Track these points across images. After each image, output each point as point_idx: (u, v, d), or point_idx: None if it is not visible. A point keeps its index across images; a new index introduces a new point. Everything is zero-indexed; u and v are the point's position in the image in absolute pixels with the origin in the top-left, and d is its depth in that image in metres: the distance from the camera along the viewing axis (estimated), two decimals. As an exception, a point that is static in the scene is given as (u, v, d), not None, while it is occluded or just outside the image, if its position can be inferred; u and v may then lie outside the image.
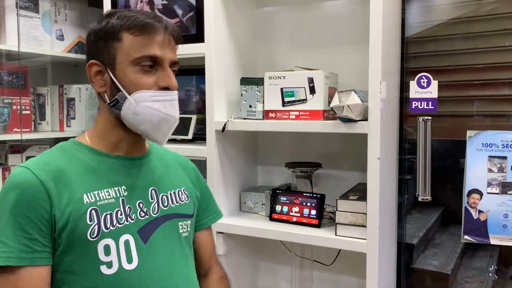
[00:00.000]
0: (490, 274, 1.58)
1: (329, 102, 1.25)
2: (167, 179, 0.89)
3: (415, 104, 1.39)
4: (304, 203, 1.39)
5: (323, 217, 1.38)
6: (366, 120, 1.21)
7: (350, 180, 1.53)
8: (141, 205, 0.81)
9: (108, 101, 0.80)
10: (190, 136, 1.56)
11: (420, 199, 1.38)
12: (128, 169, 0.83)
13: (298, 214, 1.39)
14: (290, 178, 1.60)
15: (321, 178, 1.57)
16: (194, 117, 1.58)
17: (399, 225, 1.50)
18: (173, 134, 1.72)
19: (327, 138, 1.55)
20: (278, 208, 1.43)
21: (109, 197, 0.77)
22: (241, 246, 1.57)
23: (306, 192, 1.40)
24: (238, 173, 1.57)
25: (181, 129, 1.59)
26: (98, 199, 0.76)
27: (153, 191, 0.84)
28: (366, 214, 1.23)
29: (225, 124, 1.38)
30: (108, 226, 0.75)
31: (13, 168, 1.61)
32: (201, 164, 1.47)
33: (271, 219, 1.43)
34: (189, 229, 0.88)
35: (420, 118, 1.36)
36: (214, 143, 1.42)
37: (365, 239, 1.23)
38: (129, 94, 0.78)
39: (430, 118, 1.35)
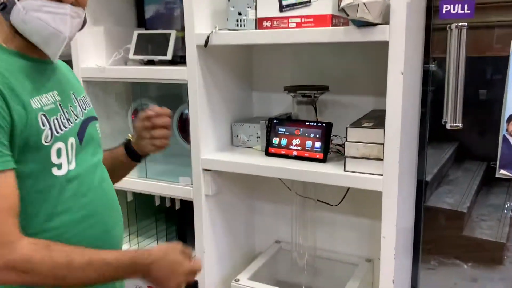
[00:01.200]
0: (506, 211, 1.47)
1: (339, 5, 0.97)
2: (76, 84, 0.90)
3: (446, 8, 1.11)
4: (306, 134, 1.15)
5: (330, 150, 1.15)
6: (387, 23, 0.93)
7: (363, 106, 1.28)
8: (71, 108, 0.83)
9: None
10: (169, 56, 1.29)
11: (448, 126, 1.13)
12: (51, 74, 0.82)
13: (300, 148, 1.15)
14: (289, 106, 1.35)
15: (328, 105, 1.31)
16: (173, 33, 1.30)
17: (419, 160, 1.26)
18: (149, 54, 1.49)
19: (335, 53, 1.28)
20: (275, 141, 1.19)
21: (49, 102, 0.78)
22: (233, 185, 1.36)
23: (309, 121, 1.16)
24: (228, 100, 1.32)
25: (159, 48, 1.32)
26: (43, 104, 0.76)
27: (73, 95, 0.86)
28: (383, 144, 0.98)
29: (208, 37, 1.11)
30: (58, 131, 0.78)
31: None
32: (181, 90, 1.22)
33: (268, 153, 1.20)
34: (99, 131, 0.92)
35: (454, 25, 1.08)
36: (196, 62, 1.16)
37: (381, 174, 1.00)
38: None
39: (465, 24, 1.07)
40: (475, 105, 1.29)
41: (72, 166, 0.80)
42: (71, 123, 0.81)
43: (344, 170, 1.04)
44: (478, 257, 1.63)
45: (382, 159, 0.99)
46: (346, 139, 1.03)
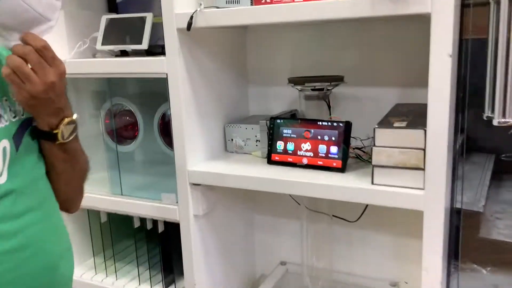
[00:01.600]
0: (523, 208, 1.19)
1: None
2: None
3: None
4: (319, 137, 0.91)
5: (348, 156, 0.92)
6: (429, -11, 0.70)
7: (383, 100, 1.05)
8: (7, 103, 0.66)
9: None
10: (144, 45, 1.04)
11: (496, 122, 0.90)
12: None
13: (311, 154, 0.92)
14: (295, 102, 1.11)
15: (340, 99, 1.08)
16: (149, 17, 1.06)
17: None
18: (121, 43, 1.24)
19: (351, 35, 1.05)
20: (279, 146, 0.96)
21: None
22: (229, 200, 1.12)
23: (322, 121, 0.92)
24: (219, 97, 1.08)
25: (133, 35, 1.08)
26: None
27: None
28: (424, 149, 0.75)
29: (191, 18, 0.87)
30: None
31: None
32: (164, 86, 0.98)
33: (270, 161, 0.96)
34: None
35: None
36: (177, 51, 0.92)
37: (422, 188, 0.77)
38: None
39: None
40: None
41: (3, 179, 0.62)
42: (5, 121, 0.64)
43: (372, 183, 0.81)
44: (498, 260, 1.42)
45: (422, 169, 0.76)
46: (374, 143, 0.80)
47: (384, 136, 0.79)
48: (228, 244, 1.14)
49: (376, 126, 0.79)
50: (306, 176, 0.88)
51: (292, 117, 1.08)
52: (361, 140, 0.96)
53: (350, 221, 1.09)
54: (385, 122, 0.83)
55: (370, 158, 0.91)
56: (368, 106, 1.06)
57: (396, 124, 0.80)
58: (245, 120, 1.12)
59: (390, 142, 0.79)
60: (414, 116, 0.86)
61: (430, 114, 0.73)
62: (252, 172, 0.93)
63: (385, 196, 0.79)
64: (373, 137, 0.80)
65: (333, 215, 1.08)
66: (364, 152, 0.97)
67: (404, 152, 0.78)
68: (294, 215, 1.17)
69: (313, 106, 0.97)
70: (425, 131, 0.75)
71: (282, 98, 1.16)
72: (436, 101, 0.72)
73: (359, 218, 1.06)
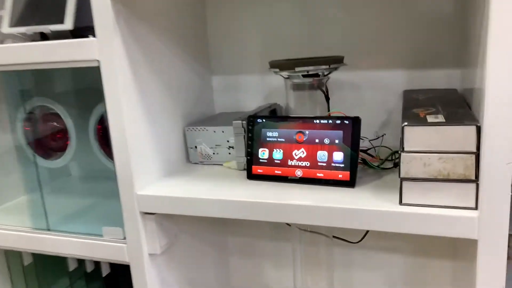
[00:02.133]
0: None
1: None
2: None
3: None
4: (317, 140, 0.67)
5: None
6: None
7: (388, 87, 0.82)
8: None
9: None
10: (68, 25, 0.76)
11: None
12: None
13: (306, 163, 0.67)
14: (274, 94, 0.87)
15: (333, 88, 0.84)
16: (73, -15, 0.77)
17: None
18: (36, 23, 0.93)
19: (341, 4, 0.81)
20: (262, 153, 0.71)
21: None
22: (196, 227, 0.86)
23: (321, 118, 0.68)
24: (175, 90, 0.82)
25: (51, 12, 0.79)
26: None
27: None
28: (477, 153, 0.53)
29: (128, -24, 0.60)
30: None
31: None
32: (94, 77, 0.71)
33: (251, 176, 0.71)
34: None
35: None
36: (112, 28, 0.64)
37: (475, 208, 0.54)
38: None
39: None
40: None
41: None
42: None
43: (400, 202, 0.58)
44: None
45: (474, 181, 0.53)
46: (402, 147, 0.56)
47: (417, 136, 0.55)
48: (197, 279, 0.88)
49: (406, 123, 0.56)
50: (303, 196, 0.64)
51: (271, 113, 0.83)
52: (369, 140, 0.73)
53: (352, 242, 0.85)
54: (412, 117, 0.59)
55: (381, 163, 0.68)
56: (369, 95, 0.82)
57: (430, 119, 0.57)
58: (212, 120, 0.86)
59: (425, 144, 0.55)
60: (444, 106, 0.63)
61: (489, 101, 0.50)
62: (227, 193, 0.67)
63: (420, 221, 0.56)
64: (401, 139, 0.56)
65: (333, 236, 0.84)
66: (372, 156, 0.73)
67: (447, 159, 0.54)
68: (282, 236, 0.92)
69: (304, 99, 0.72)
70: (478, 127, 0.52)
71: (257, 89, 0.91)
72: (495, 81, 0.49)
73: (362, 238, 0.83)
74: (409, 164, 0.56)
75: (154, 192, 0.69)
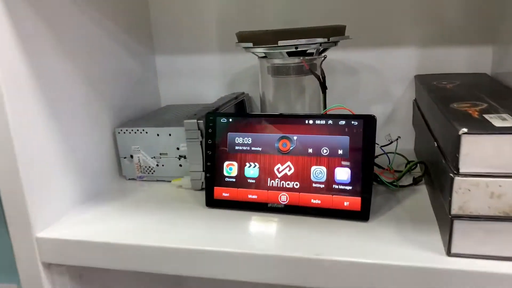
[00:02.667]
0: None
1: None
2: None
3: None
4: (309, 150, 0.45)
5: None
6: None
7: (394, 71, 0.61)
8: None
9: None
10: None
11: None
12: None
13: (295, 183, 0.45)
14: (242, 81, 0.64)
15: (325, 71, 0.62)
16: None
17: None
18: None
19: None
20: (229, 168, 0.48)
21: None
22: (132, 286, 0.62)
23: (315, 117, 0.45)
24: (101, 78, 0.57)
25: None
26: None
27: None
28: None
29: None
30: None
31: None
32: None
33: (213, 202, 0.48)
34: None
35: None
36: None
37: None
38: None
39: None
40: None
41: None
42: None
43: (449, 253, 0.37)
44: None
45: None
46: (455, 167, 0.35)
47: (482, 151, 0.34)
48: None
49: (464, 130, 0.34)
50: (292, 239, 0.42)
51: (238, 108, 0.60)
52: (380, 147, 0.52)
53: None
54: (460, 117, 0.38)
55: (399, 178, 0.48)
56: (368, 82, 0.61)
57: (496, 122, 0.36)
58: (155, 119, 0.62)
59: (495, 164, 0.34)
60: (495, 99, 0.43)
61: None
62: (173, 233, 0.44)
63: (480, 284, 0.36)
64: (457, 154, 0.35)
65: None
66: (382, 168, 0.52)
67: (530, 185, 0.34)
68: None
69: (289, 88, 0.50)
70: None
71: (217, 74, 0.68)
72: None
73: None
74: (467, 195, 0.35)
75: (62, 233, 0.45)
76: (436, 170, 0.42)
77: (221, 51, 0.68)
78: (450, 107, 0.42)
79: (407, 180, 0.52)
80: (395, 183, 0.50)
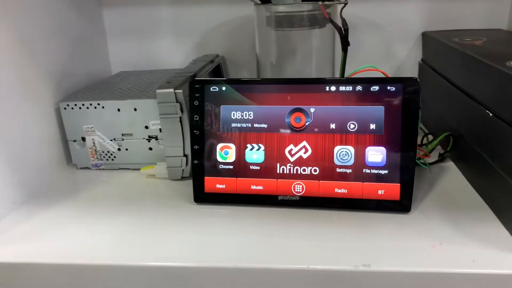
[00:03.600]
0: None
1: None
2: None
3: None
4: (332, 125, 0.35)
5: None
6: None
7: (398, 27, 0.52)
8: None
9: None
10: None
11: None
12: None
13: (313, 169, 0.35)
14: (219, 39, 0.52)
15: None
16: None
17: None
18: None
19: None
20: (224, 152, 0.36)
21: None
22: None
23: (341, 82, 0.35)
24: (34, 39, 0.42)
25: None
26: None
27: None
28: None
29: None
30: None
31: None
32: None
33: (203, 196, 0.37)
34: None
35: None
36: None
37: None
38: None
39: None
40: None
41: None
42: None
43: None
44: None
45: None
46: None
47: None
48: None
49: None
50: (315, 240, 0.32)
51: (215, 73, 0.49)
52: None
53: None
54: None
55: (426, 156, 0.40)
56: (367, 40, 0.52)
57: None
58: (110, 88, 0.48)
59: None
60: None
61: None
62: (158, 241, 0.33)
63: None
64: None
65: None
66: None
67: None
68: None
69: (298, 45, 0.38)
70: None
71: (181, 33, 0.55)
72: None
73: None
74: None
75: (-3, 256, 0.32)
76: (489, 143, 0.34)
77: (188, 2, 0.55)
78: (506, 64, 0.34)
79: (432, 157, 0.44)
80: (423, 161, 0.41)
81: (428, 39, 0.51)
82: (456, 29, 0.52)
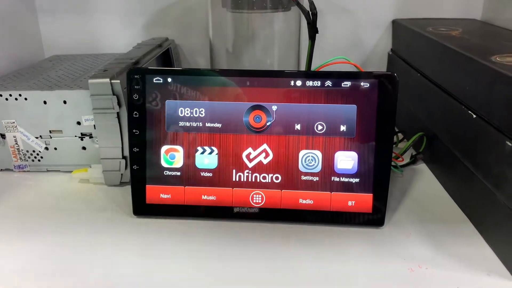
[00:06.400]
0: None
1: None
2: None
3: None
4: (297, 126, 0.30)
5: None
6: None
7: (366, 14, 0.48)
8: None
9: None
10: None
11: None
12: None
13: (275, 176, 0.30)
14: (169, 20, 0.45)
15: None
16: None
17: None
18: None
19: None
20: (170, 156, 0.31)
21: None
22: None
23: (309, 76, 0.30)
24: None
25: None
26: None
27: None
28: None
29: None
30: None
31: None
32: None
33: (144, 208, 0.31)
34: None
35: None
36: None
37: None
38: None
39: None
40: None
41: None
42: None
43: (525, 278, 0.25)
44: None
45: None
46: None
47: None
48: None
49: None
50: (285, 262, 0.27)
51: (164, 59, 0.43)
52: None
53: None
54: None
55: (411, 160, 0.36)
56: (338, 28, 0.47)
57: None
58: (37, 76, 0.41)
59: None
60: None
61: None
62: (90, 263, 0.27)
63: None
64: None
65: None
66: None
67: None
68: None
69: (255, 29, 0.33)
70: None
71: (125, 12, 0.48)
72: None
73: None
74: None
75: None
76: (471, 148, 0.30)
77: (133, -21, 0.48)
78: (492, 60, 0.30)
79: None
80: (395, 164, 0.37)
81: (398, 27, 0.47)
82: (428, 18, 0.49)
